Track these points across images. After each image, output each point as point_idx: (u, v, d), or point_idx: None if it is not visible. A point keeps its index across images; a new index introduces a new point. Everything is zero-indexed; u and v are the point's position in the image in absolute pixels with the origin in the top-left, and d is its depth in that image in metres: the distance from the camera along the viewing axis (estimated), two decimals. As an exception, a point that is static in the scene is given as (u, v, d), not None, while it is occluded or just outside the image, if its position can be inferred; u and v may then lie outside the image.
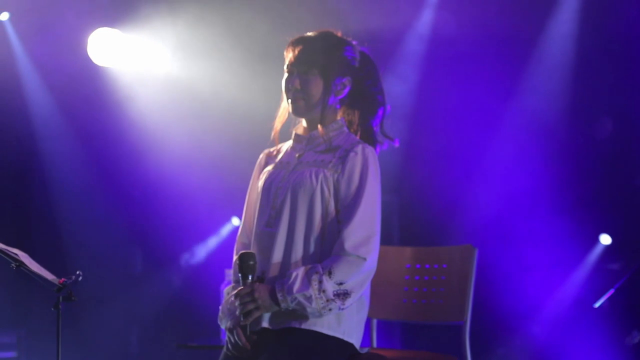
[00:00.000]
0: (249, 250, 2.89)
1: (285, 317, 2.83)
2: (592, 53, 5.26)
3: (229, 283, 3.99)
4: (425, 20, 5.41)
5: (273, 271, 2.87)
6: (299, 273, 2.78)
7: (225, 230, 5.98)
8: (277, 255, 2.87)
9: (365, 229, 2.82)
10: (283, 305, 2.78)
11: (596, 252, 5.38)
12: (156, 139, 5.81)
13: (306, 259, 2.85)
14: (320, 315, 2.78)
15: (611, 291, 4.05)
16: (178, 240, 5.93)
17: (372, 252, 2.81)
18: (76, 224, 5.86)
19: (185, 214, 5.85)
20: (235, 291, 2.85)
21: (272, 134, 3.09)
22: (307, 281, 2.76)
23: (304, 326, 2.81)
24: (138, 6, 5.70)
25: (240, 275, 2.84)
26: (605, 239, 5.38)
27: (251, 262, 2.83)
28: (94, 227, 5.89)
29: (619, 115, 5.34)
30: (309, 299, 2.75)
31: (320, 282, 2.75)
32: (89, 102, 5.77)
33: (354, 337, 2.88)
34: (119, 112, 5.78)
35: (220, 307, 3.01)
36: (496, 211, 5.41)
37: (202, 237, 5.99)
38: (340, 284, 2.77)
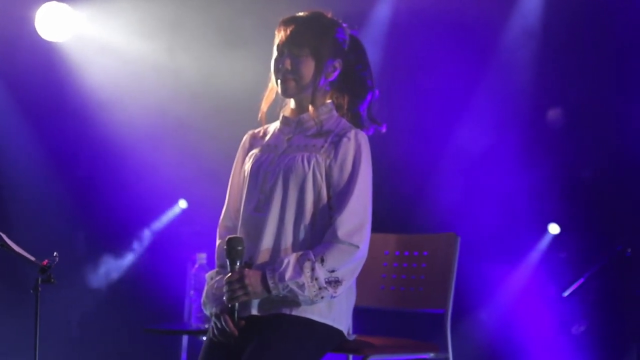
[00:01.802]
0: (236, 235, 2.83)
1: (274, 304, 2.78)
2: (553, 44, 5.31)
3: (201, 267, 3.95)
4: (389, 4, 5.41)
5: (262, 257, 2.81)
6: (290, 259, 2.73)
7: (172, 213, 5.89)
8: (267, 240, 2.81)
9: (358, 217, 2.78)
10: (274, 292, 2.73)
11: (545, 241, 5.46)
12: (103, 117, 5.68)
13: (296, 246, 2.80)
14: (312, 303, 2.74)
15: (581, 280, 4.10)
16: (123, 223, 5.82)
17: (364, 240, 2.78)
18: (18, 203, 5.69)
19: (131, 196, 5.74)
20: (225, 278, 2.78)
21: (259, 115, 3.01)
22: (299, 268, 2.71)
23: (295, 313, 2.76)
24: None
25: (227, 260, 2.78)
26: (553, 229, 5.46)
27: (239, 248, 2.77)
28: (35, 206, 5.73)
29: (572, 107, 5.42)
30: (301, 286, 2.71)
31: (313, 269, 2.71)
32: (36, 78, 5.61)
33: (343, 324, 2.85)
34: (66, 88, 5.63)
35: (204, 292, 2.94)
36: (448, 199, 5.44)
37: (149, 220, 5.89)
38: (332, 271, 2.73)
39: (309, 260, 2.72)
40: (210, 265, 3.89)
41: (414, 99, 5.35)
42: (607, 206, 5.26)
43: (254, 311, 2.79)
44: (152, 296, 5.55)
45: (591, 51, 5.30)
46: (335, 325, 2.81)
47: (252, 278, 2.74)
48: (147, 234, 5.87)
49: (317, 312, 2.78)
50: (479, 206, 5.40)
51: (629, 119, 5.20)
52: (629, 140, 5.20)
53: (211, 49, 5.61)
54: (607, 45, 5.28)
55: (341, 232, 2.75)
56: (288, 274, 2.71)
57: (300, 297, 2.72)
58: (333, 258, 2.73)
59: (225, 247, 2.78)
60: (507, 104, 5.40)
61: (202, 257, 3.80)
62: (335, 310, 2.81)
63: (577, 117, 5.41)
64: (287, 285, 2.71)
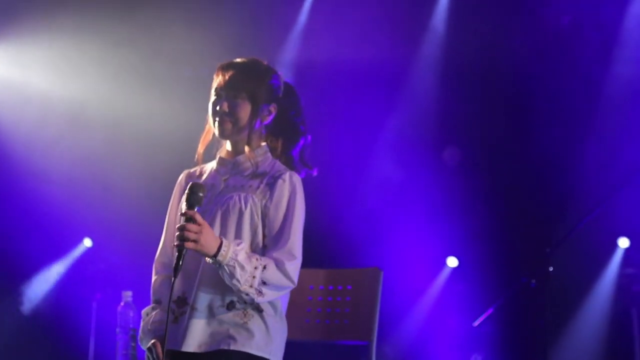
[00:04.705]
0: (199, 182, 2.91)
1: (213, 340, 2.86)
2: (450, 86, 5.57)
3: (126, 305, 3.96)
4: (290, 51, 5.56)
5: (197, 293, 2.89)
6: (245, 247, 2.84)
7: (77, 251, 5.86)
8: (204, 276, 2.89)
9: (292, 256, 2.90)
10: (219, 258, 2.78)
11: (444, 274, 5.67)
12: (8, 156, 5.64)
13: (232, 282, 2.90)
14: (237, 291, 2.82)
15: (490, 310, 4.30)
16: (26, 264, 5.75)
17: (296, 277, 2.92)
18: None
19: (35, 236, 5.69)
20: (187, 210, 2.81)
21: (196, 156, 3.12)
22: (248, 259, 2.82)
23: (233, 347, 2.85)
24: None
25: (185, 204, 2.82)
26: (452, 262, 5.68)
27: (200, 194, 2.83)
28: None
29: (467, 145, 5.67)
30: (243, 271, 2.79)
31: (256, 268, 2.82)
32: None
33: (279, 357, 2.96)
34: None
35: (140, 328, 3.00)
36: (346, 233, 5.59)
37: (52, 259, 5.84)
38: (264, 283, 2.84)
39: (257, 259, 2.84)
40: (137, 303, 3.90)
41: (324, 140, 5.50)
42: (507, 239, 5.50)
43: (193, 349, 2.86)
44: (55, 337, 5.50)
45: (484, 96, 5.59)
46: (272, 358, 2.92)
47: (210, 235, 2.80)
48: (50, 274, 5.82)
49: (255, 347, 2.88)
50: (384, 240, 5.57)
51: (520, 154, 5.49)
52: (523, 174, 5.48)
53: (123, 89, 5.65)
54: (499, 91, 5.58)
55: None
56: (241, 256, 2.81)
57: (234, 280, 2.80)
58: (271, 274, 2.85)
59: (186, 191, 2.83)
60: (411, 144, 5.61)
61: (127, 295, 3.79)
62: (272, 344, 2.91)
63: (472, 155, 5.67)
64: (235, 261, 2.79)
